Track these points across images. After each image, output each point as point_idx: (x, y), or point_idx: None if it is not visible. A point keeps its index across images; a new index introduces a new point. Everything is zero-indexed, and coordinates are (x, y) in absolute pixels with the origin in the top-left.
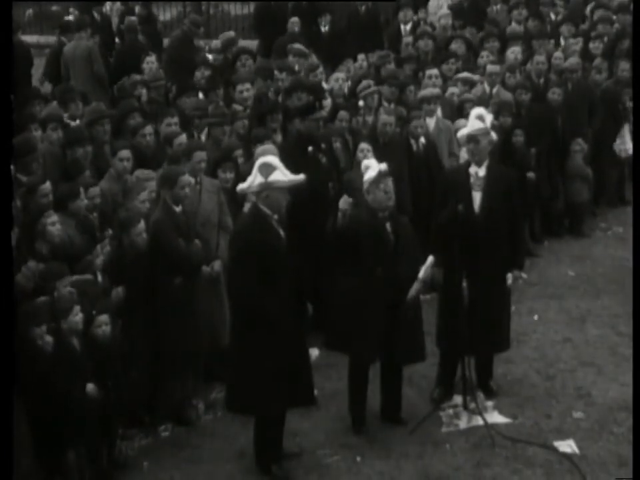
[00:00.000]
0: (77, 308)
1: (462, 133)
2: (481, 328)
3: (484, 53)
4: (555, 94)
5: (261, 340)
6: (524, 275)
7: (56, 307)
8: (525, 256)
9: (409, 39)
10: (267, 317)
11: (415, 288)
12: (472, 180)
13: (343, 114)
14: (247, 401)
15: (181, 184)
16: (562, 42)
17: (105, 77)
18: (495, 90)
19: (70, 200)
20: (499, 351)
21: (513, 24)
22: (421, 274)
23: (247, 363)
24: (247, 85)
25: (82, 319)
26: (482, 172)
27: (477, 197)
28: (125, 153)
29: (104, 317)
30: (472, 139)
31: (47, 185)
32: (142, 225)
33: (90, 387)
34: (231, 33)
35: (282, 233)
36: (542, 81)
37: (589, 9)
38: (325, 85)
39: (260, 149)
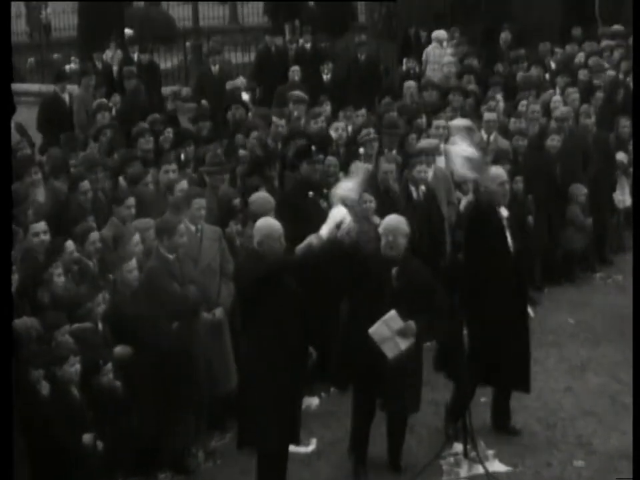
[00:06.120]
0: (75, 359)
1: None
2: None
3: (491, 103)
4: (554, 140)
5: (262, 379)
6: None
7: (53, 355)
8: None
9: (412, 89)
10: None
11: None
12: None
13: (330, 159)
14: (251, 437)
15: (180, 232)
16: (557, 91)
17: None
18: (492, 137)
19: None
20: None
21: (520, 73)
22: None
23: (249, 400)
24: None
25: (78, 369)
26: (505, 212)
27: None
28: (131, 201)
29: (109, 365)
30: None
31: (42, 225)
32: (134, 262)
33: (87, 437)
34: (237, 82)
35: (287, 278)
36: (537, 128)
37: (580, 59)
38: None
39: (256, 202)
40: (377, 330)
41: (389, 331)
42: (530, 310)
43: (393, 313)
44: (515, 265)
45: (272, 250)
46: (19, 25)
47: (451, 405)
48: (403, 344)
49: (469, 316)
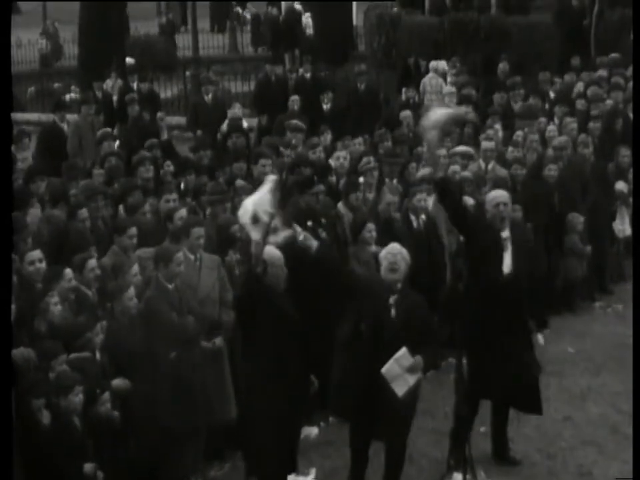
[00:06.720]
0: (79, 388)
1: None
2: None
3: (489, 132)
4: (551, 170)
5: (262, 408)
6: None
7: (54, 385)
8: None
9: (409, 118)
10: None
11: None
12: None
13: (319, 187)
14: (250, 465)
15: (177, 261)
16: (555, 121)
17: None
18: (490, 166)
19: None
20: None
21: (518, 103)
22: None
23: (249, 429)
24: (269, 160)
25: (82, 399)
26: (505, 234)
27: (506, 257)
28: (133, 230)
29: (107, 395)
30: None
31: (37, 253)
32: (132, 290)
33: (88, 466)
34: (238, 112)
35: (286, 304)
36: (535, 157)
37: (578, 88)
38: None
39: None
40: (389, 369)
41: (400, 368)
42: (540, 337)
43: (404, 350)
44: (515, 290)
45: (275, 277)
46: (19, 54)
47: (453, 434)
48: (412, 379)
49: (469, 345)
